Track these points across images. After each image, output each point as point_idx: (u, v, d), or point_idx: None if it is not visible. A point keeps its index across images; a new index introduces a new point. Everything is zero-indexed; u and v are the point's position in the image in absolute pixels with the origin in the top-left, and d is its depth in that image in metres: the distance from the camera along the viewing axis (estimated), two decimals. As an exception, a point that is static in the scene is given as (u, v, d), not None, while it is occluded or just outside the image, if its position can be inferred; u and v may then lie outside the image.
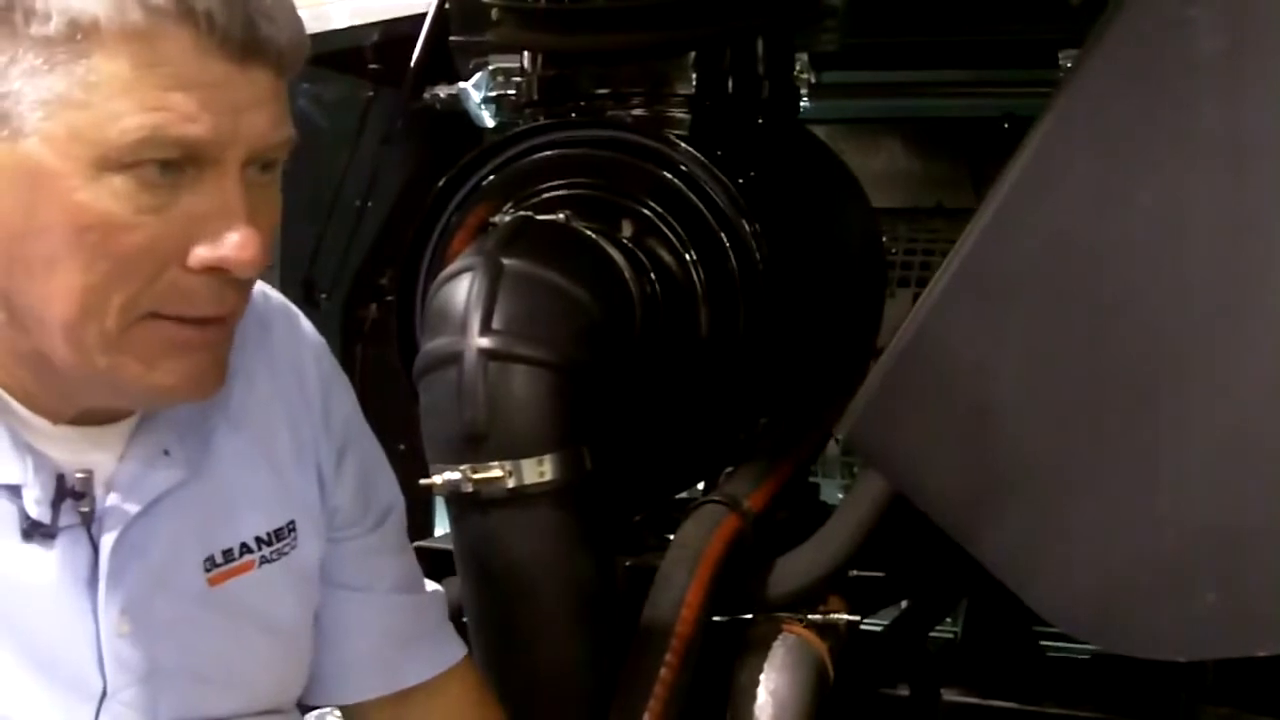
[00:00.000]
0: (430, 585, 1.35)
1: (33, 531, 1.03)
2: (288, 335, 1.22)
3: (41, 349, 1.00)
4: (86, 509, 1.05)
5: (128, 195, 0.95)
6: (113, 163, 0.95)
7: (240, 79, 0.97)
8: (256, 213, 1.00)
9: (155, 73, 0.94)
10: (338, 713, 1.62)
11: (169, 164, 0.96)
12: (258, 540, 1.15)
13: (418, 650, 1.28)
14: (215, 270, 0.99)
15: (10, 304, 1.00)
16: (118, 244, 0.96)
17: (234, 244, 0.98)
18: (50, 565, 1.04)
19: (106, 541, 1.06)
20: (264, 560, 1.15)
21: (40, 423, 1.05)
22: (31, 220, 0.96)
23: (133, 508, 1.07)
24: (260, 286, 1.22)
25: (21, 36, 0.93)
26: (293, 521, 1.18)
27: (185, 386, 1.03)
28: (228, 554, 1.13)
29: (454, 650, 1.30)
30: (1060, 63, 1.78)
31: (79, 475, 1.05)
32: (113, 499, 1.07)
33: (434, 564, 1.67)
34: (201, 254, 0.98)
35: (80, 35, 0.93)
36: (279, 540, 1.16)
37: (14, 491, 1.03)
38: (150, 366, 1.01)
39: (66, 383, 1.03)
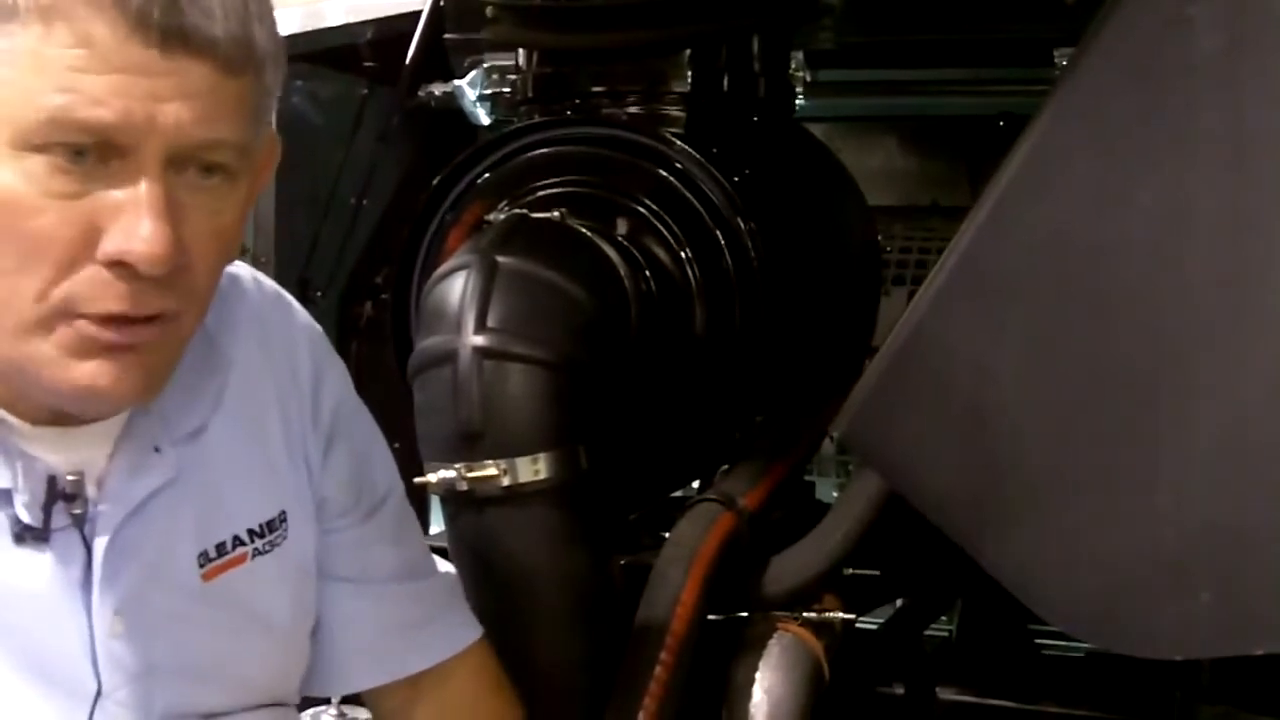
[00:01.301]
0: (442, 566, 1.34)
1: (25, 535, 1.03)
2: (282, 324, 1.20)
3: None
4: (79, 511, 1.04)
5: (38, 178, 0.93)
6: (25, 142, 0.93)
7: (162, 68, 0.94)
8: (189, 214, 0.97)
9: (69, 53, 0.92)
10: (333, 709, 1.63)
11: (83, 150, 0.94)
12: (250, 532, 1.14)
13: (422, 636, 1.26)
14: (124, 265, 0.95)
15: None
16: (26, 227, 0.94)
17: (139, 237, 0.94)
18: (44, 568, 1.04)
19: (100, 543, 1.05)
20: (257, 552, 1.14)
21: (23, 425, 1.04)
22: None
23: (125, 507, 1.07)
24: (253, 275, 1.21)
25: None
26: (284, 512, 1.17)
27: (107, 389, 0.99)
28: (220, 547, 1.12)
29: (464, 634, 1.29)
30: (1056, 61, 1.78)
31: (70, 477, 1.04)
32: (104, 499, 1.06)
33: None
34: (106, 247, 0.95)
35: None
36: (271, 531, 1.15)
37: (4, 496, 1.03)
38: (69, 364, 0.98)
39: (11, 378, 1.01)
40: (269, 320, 1.19)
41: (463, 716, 1.29)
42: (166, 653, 1.09)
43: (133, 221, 0.95)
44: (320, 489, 1.21)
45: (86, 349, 0.97)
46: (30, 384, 1.01)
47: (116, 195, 0.95)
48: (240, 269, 1.20)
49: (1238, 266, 1.10)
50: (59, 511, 1.04)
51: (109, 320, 0.97)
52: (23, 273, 0.95)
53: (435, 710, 1.27)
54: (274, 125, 1.09)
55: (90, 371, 0.98)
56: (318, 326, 1.25)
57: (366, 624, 1.24)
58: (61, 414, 1.05)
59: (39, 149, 0.93)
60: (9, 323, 0.97)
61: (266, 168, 1.10)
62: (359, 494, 1.24)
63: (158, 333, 1.00)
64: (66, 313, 0.96)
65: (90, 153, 0.94)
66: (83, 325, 0.97)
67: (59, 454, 1.05)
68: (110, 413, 1.06)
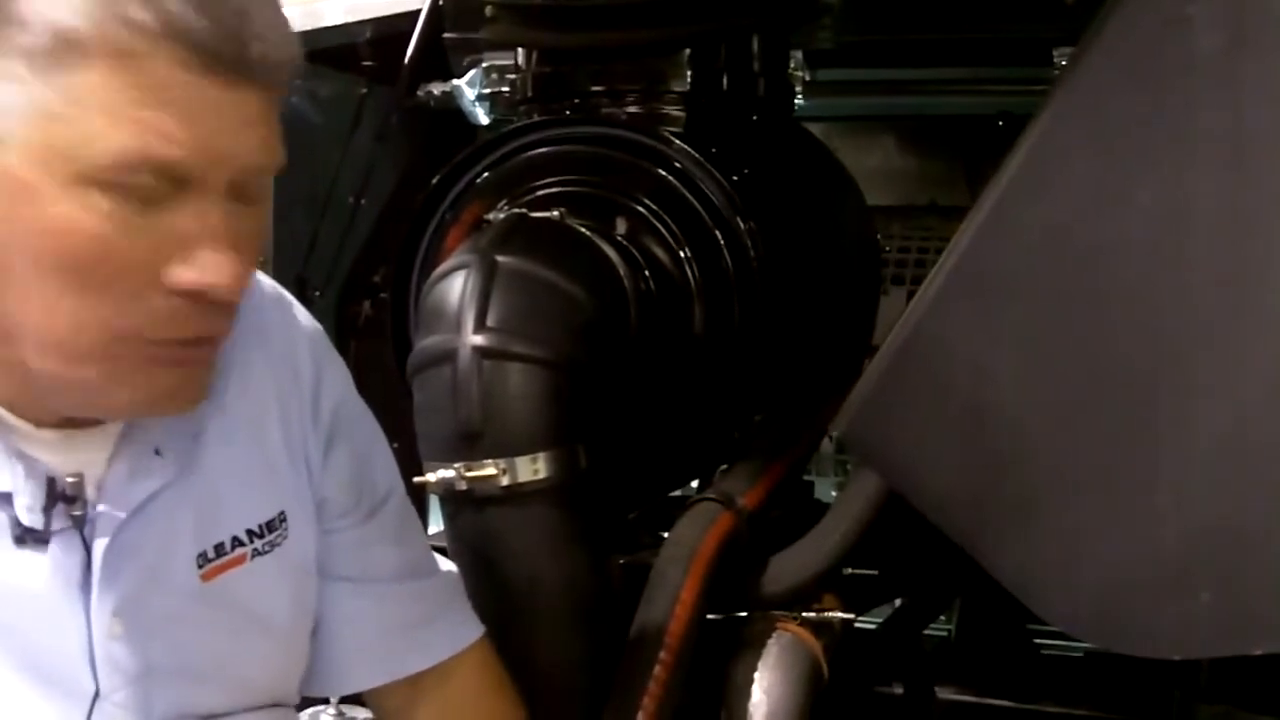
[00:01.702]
0: (444, 564, 1.34)
1: (25, 538, 1.03)
2: (282, 324, 1.20)
3: (20, 357, 0.99)
4: (78, 512, 1.04)
5: (105, 212, 0.93)
6: (91, 179, 0.93)
7: (227, 100, 0.95)
8: (240, 236, 0.98)
9: (139, 91, 0.92)
10: (332, 709, 1.63)
11: (151, 185, 0.94)
12: (249, 533, 1.14)
13: (423, 635, 1.26)
14: (193, 294, 0.97)
15: None
16: (94, 260, 0.94)
17: (213, 268, 0.96)
18: (43, 569, 1.04)
19: (99, 545, 1.05)
20: (256, 553, 1.14)
21: (26, 427, 1.04)
22: (10, 231, 0.94)
23: (125, 509, 1.07)
24: (255, 274, 1.21)
25: (6, 45, 0.92)
26: (284, 513, 1.17)
27: (164, 402, 1.02)
28: (219, 548, 1.12)
29: (466, 633, 1.29)
30: (1055, 61, 1.78)
31: (69, 479, 1.04)
32: (104, 501, 1.06)
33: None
34: (179, 276, 0.96)
35: (65, 48, 0.91)
36: (271, 532, 1.15)
37: (5, 499, 1.03)
38: (130, 382, 0.99)
39: (45, 392, 1.01)
40: (269, 320, 1.19)
41: (464, 715, 1.29)
42: (165, 654, 1.09)
43: (205, 253, 0.96)
44: (321, 489, 1.21)
45: (149, 366, 0.99)
46: (77, 401, 1.02)
47: (184, 226, 0.96)
48: None
49: (1238, 266, 1.10)
50: (59, 513, 1.04)
51: (179, 342, 0.99)
52: (87, 304, 0.96)
53: (437, 709, 1.27)
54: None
55: (154, 387, 1.00)
56: (318, 326, 1.25)
57: (367, 623, 1.24)
58: (71, 420, 1.05)
59: (106, 185, 0.93)
60: (68, 350, 0.97)
61: None
62: (360, 494, 1.24)
63: (215, 347, 1.04)
64: (132, 339, 0.98)
65: (157, 186, 0.94)
66: (142, 350, 0.98)
67: (59, 456, 1.05)
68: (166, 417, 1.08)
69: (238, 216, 0.99)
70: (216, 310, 0.99)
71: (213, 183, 0.96)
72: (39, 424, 1.04)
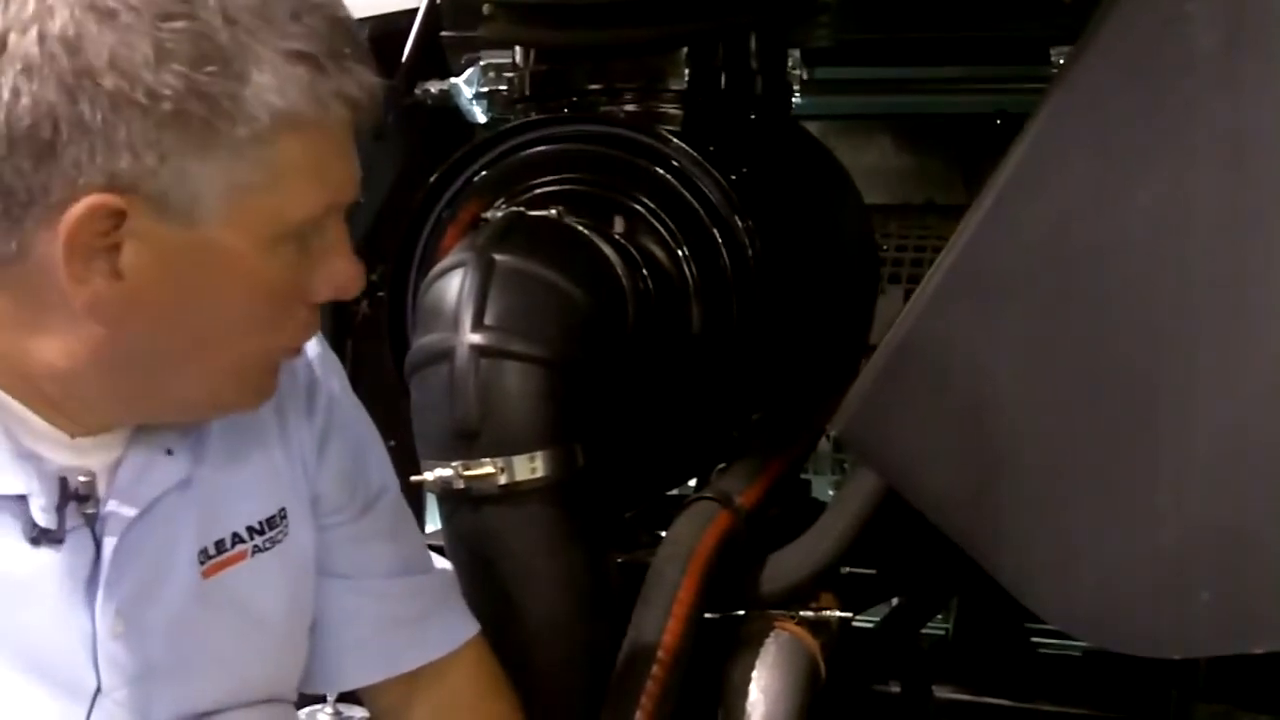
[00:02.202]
0: (439, 562, 1.34)
1: (41, 538, 1.03)
2: None
3: (153, 388, 1.04)
4: (90, 511, 1.05)
5: (294, 258, 1.02)
6: (288, 235, 1.00)
7: (351, 139, 1.04)
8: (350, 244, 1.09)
9: (325, 152, 1.00)
10: (329, 708, 1.63)
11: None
12: (250, 530, 1.15)
13: (418, 633, 1.27)
14: (330, 300, 1.07)
15: (138, 361, 1.02)
16: (276, 299, 1.03)
17: (350, 276, 1.06)
18: (55, 568, 1.04)
19: (109, 543, 1.06)
20: (257, 549, 1.15)
21: (57, 435, 1.05)
22: (199, 292, 1.00)
23: (135, 508, 1.07)
24: None
25: (223, 136, 0.96)
26: (284, 509, 1.18)
27: (255, 400, 1.11)
28: (220, 545, 1.13)
29: (461, 630, 1.30)
30: (1053, 60, 1.78)
31: (82, 479, 1.05)
32: (115, 500, 1.07)
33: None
34: (326, 291, 1.06)
35: (281, 128, 0.97)
36: (271, 529, 1.16)
37: (20, 500, 1.03)
38: (248, 390, 1.09)
39: (149, 408, 1.07)
40: None
41: (460, 713, 1.29)
42: (165, 651, 1.09)
43: (339, 265, 1.06)
44: (315, 485, 1.21)
45: (271, 373, 1.10)
46: (184, 409, 1.08)
47: (325, 244, 1.05)
48: None
49: (1237, 265, 1.10)
50: (71, 512, 1.04)
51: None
52: (252, 332, 1.04)
53: (432, 707, 1.27)
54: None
55: (266, 387, 1.10)
56: None
57: (364, 620, 1.25)
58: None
59: (298, 236, 1.02)
60: (218, 370, 1.05)
61: None
62: (354, 490, 1.25)
63: None
64: (267, 352, 1.08)
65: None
66: (278, 355, 1.10)
67: (72, 456, 1.05)
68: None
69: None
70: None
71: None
72: (73, 433, 1.06)
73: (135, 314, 0.99)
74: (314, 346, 1.24)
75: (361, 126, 1.04)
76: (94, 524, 1.05)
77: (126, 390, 1.04)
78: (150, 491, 1.08)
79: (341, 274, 1.06)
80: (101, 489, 1.06)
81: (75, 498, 1.04)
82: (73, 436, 1.05)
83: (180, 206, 0.96)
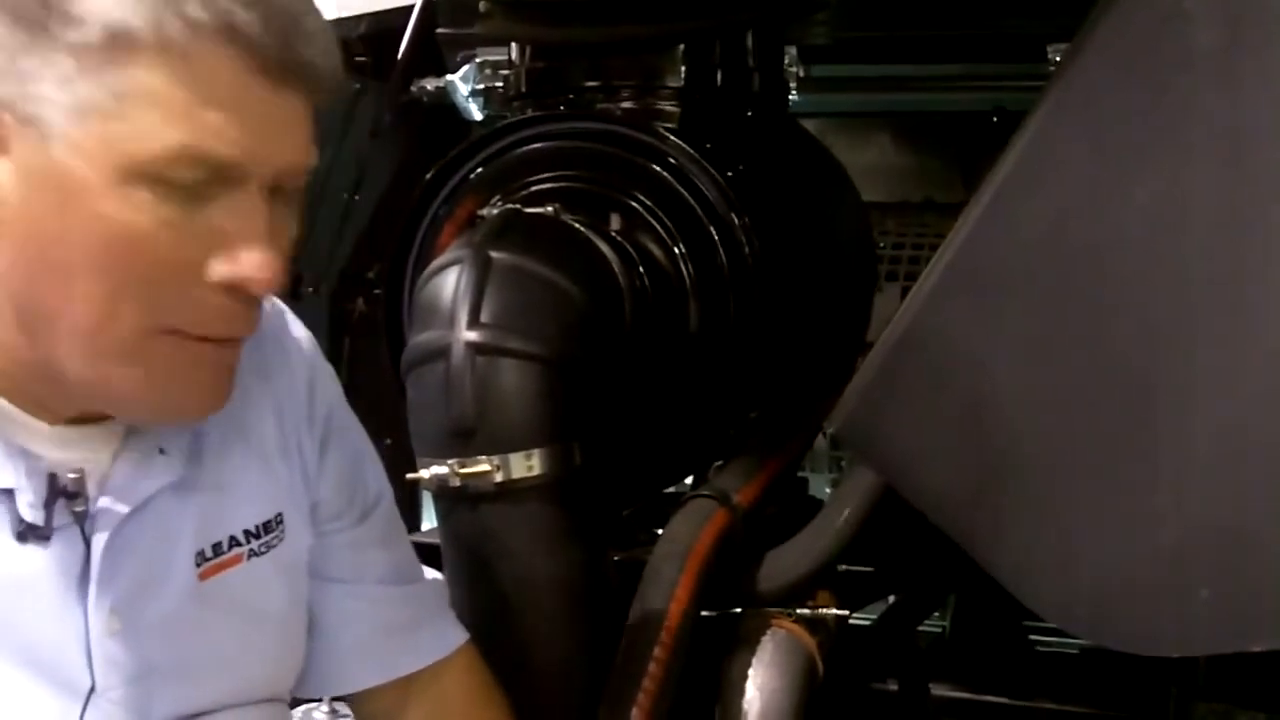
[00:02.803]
0: (429, 573, 1.34)
1: (27, 534, 1.03)
2: (275, 328, 1.21)
3: (50, 356, 0.99)
4: (80, 508, 1.04)
5: (151, 208, 0.95)
6: (139, 175, 0.94)
7: (275, 101, 0.97)
8: (276, 234, 1.00)
9: (190, 89, 0.94)
10: (325, 706, 1.63)
11: (197, 182, 0.96)
12: (246, 533, 1.15)
13: (412, 639, 1.27)
14: (233, 289, 0.99)
15: (23, 309, 0.99)
16: (137, 255, 0.96)
17: (254, 264, 0.98)
18: (43, 564, 1.04)
19: (99, 541, 1.05)
20: (253, 553, 1.15)
21: (37, 425, 1.04)
22: (55, 226, 0.95)
23: (126, 507, 1.07)
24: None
25: (57, 41, 0.93)
26: (281, 514, 1.18)
27: (193, 405, 1.04)
28: (217, 547, 1.13)
29: (453, 638, 1.30)
30: (1050, 57, 1.78)
31: (71, 475, 1.04)
32: (105, 498, 1.06)
33: (421, 559, 1.67)
34: (221, 271, 0.98)
35: (118, 45, 0.92)
36: (268, 533, 1.16)
37: (7, 495, 1.02)
38: (161, 383, 1.01)
39: (70, 391, 1.02)
40: (263, 326, 1.20)
41: (452, 718, 1.29)
42: (161, 652, 1.09)
43: (248, 249, 0.98)
44: (315, 491, 1.22)
45: (183, 367, 1.01)
46: (109, 401, 1.03)
47: (227, 221, 0.98)
48: None
49: (1235, 262, 1.09)
50: (60, 509, 1.04)
51: (210, 339, 1.01)
52: (129, 297, 0.97)
53: (424, 714, 1.28)
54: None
55: (182, 391, 1.02)
56: (308, 332, 1.26)
57: (360, 625, 1.25)
58: (81, 416, 1.05)
59: (153, 181, 0.95)
60: (104, 346, 0.98)
61: None
62: (352, 497, 1.25)
63: (237, 351, 1.05)
64: (170, 337, 0.99)
65: (202, 182, 0.96)
66: (181, 347, 1.00)
67: (62, 452, 1.05)
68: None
69: (275, 215, 1.00)
70: (249, 307, 1.02)
71: (256, 181, 0.98)
72: (53, 421, 1.04)
73: (4, 240, 0.96)
74: (312, 355, 1.24)
75: (309, 96, 0.98)
76: (83, 522, 1.05)
77: (32, 358, 1.01)
78: (143, 491, 1.08)
79: (243, 260, 0.98)
80: (92, 488, 1.06)
81: (64, 494, 1.04)
82: (51, 425, 1.04)
83: (28, 115, 0.93)
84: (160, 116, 0.93)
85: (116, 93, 0.93)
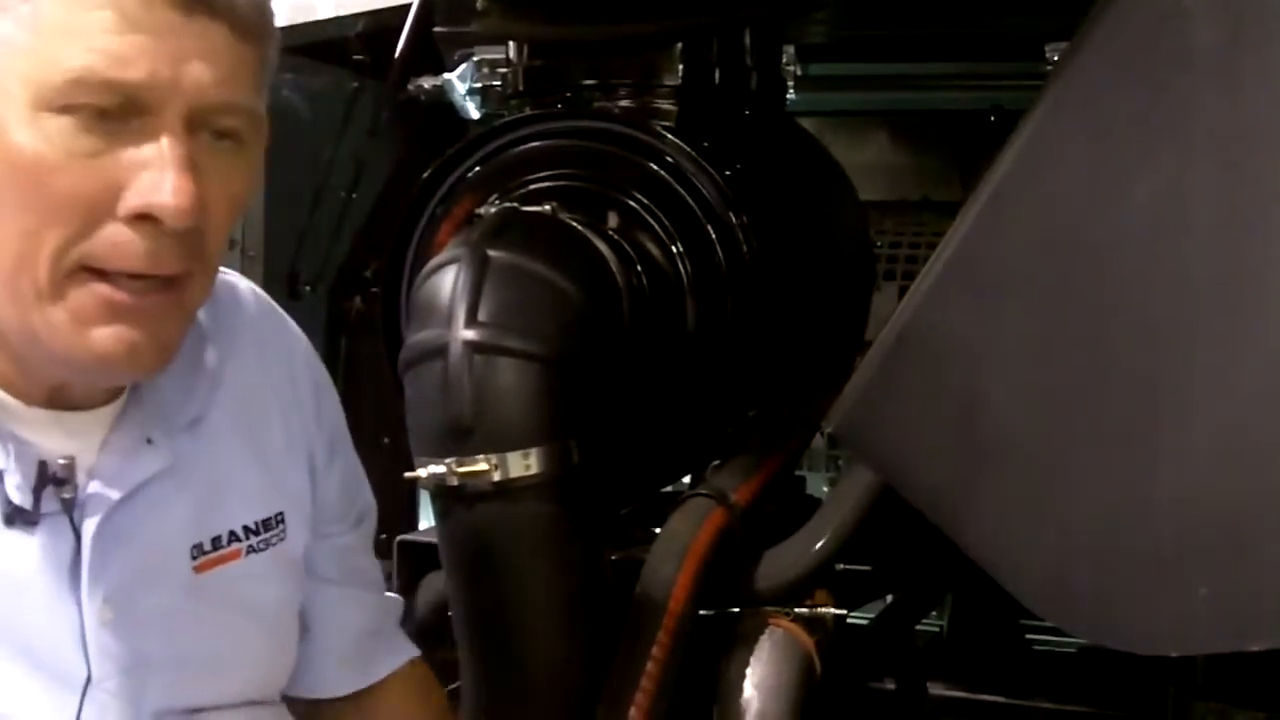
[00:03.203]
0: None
1: (14, 518, 1.03)
2: (276, 334, 1.23)
3: None
4: (68, 495, 1.05)
5: (62, 138, 0.95)
6: (49, 104, 0.94)
7: (185, 29, 0.97)
8: (205, 175, 0.99)
9: (96, 16, 0.94)
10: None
11: (106, 110, 0.96)
12: (245, 529, 1.16)
13: (384, 645, 1.32)
14: (147, 221, 0.97)
15: None
16: (50, 187, 0.96)
17: (166, 191, 0.96)
18: (32, 552, 1.04)
19: (88, 528, 1.06)
20: (251, 549, 1.16)
21: (15, 405, 1.04)
22: None
23: (115, 495, 1.07)
24: (250, 286, 1.23)
25: None
26: (282, 513, 1.19)
27: (120, 355, 1.01)
28: (215, 541, 1.13)
29: (409, 646, 1.35)
30: (1048, 55, 1.78)
31: (60, 462, 1.05)
32: (95, 486, 1.07)
33: (418, 558, 1.67)
34: (131, 201, 0.97)
35: None
36: (267, 530, 1.17)
37: None
38: (83, 328, 0.99)
39: (16, 354, 1.02)
40: (264, 329, 1.22)
41: None
42: (157, 643, 1.09)
43: (158, 177, 0.97)
44: (322, 493, 1.24)
45: (101, 314, 0.99)
46: (43, 353, 1.02)
47: (139, 152, 0.97)
48: (238, 280, 1.23)
49: (1235, 261, 1.09)
50: (49, 496, 1.04)
51: (125, 281, 0.99)
52: (43, 232, 0.97)
53: None
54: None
55: (105, 337, 1.00)
56: (310, 344, 1.28)
57: (348, 629, 1.28)
58: (59, 396, 1.05)
59: (62, 109, 0.95)
60: (25, 287, 0.98)
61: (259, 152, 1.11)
62: (351, 503, 1.29)
63: (172, 299, 1.02)
64: (84, 273, 0.98)
65: (113, 112, 0.96)
66: (99, 288, 0.98)
67: (52, 439, 1.05)
68: (119, 383, 1.08)
69: (206, 157, 1.00)
70: (169, 244, 0.99)
71: (170, 112, 0.97)
72: (28, 400, 1.04)
73: None
74: (315, 363, 1.26)
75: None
76: (72, 510, 1.05)
77: None
78: (131, 480, 1.08)
79: (150, 185, 0.96)
80: (82, 476, 1.06)
81: (53, 481, 1.04)
82: (29, 405, 1.04)
83: None
84: (66, 44, 0.94)
85: (27, 24, 0.94)
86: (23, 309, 0.99)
